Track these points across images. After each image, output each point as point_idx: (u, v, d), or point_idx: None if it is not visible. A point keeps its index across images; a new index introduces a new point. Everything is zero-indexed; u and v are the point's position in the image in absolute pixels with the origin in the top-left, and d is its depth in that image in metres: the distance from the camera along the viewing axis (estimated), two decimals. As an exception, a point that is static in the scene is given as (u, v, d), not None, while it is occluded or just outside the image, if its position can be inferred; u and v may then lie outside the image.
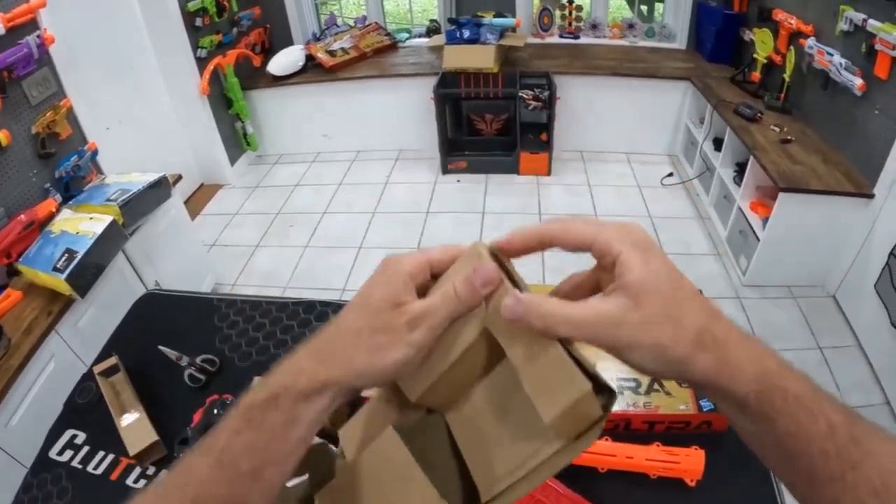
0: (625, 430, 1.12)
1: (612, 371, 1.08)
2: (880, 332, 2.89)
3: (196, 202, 4.40)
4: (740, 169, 3.70)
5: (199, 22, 4.01)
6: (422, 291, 0.50)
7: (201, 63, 4.11)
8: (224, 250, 3.87)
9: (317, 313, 1.47)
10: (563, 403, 0.42)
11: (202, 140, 4.38)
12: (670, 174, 4.61)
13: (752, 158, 3.37)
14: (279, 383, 0.48)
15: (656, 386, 1.10)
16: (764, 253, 3.31)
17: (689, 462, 1.01)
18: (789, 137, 3.43)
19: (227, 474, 0.45)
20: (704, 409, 1.06)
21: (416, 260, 0.51)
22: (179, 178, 2.97)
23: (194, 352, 1.33)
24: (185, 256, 3.10)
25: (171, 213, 2.92)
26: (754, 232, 3.36)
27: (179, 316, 1.52)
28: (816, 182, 3.06)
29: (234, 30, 4.46)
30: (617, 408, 1.05)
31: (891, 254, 2.82)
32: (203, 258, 3.39)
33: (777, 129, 3.53)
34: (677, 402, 1.07)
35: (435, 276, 0.52)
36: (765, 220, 3.28)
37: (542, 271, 3.46)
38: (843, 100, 3.30)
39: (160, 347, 1.31)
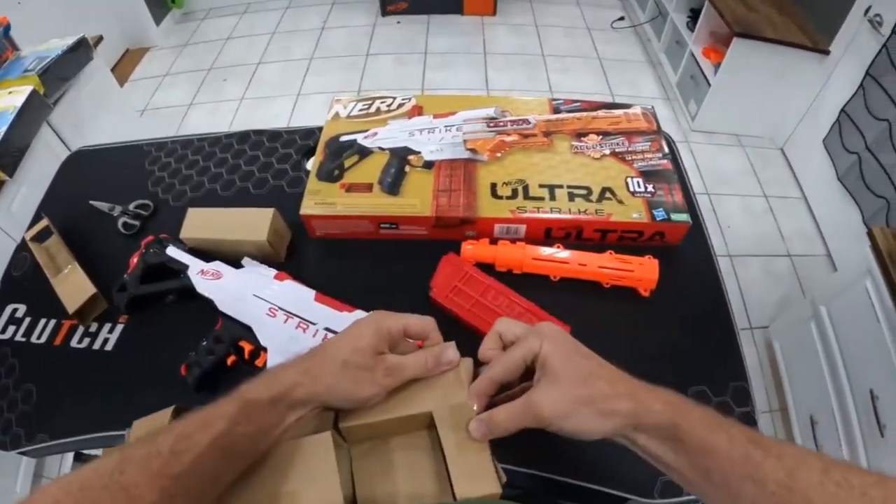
0: (577, 238, 1.09)
1: (564, 180, 1.08)
2: (826, 186, 2.93)
3: (123, 68, 4.04)
4: (694, 15, 3.59)
5: None
6: (392, 347, 0.64)
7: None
8: (157, 113, 3.63)
9: (251, 142, 1.39)
10: (477, 492, 0.57)
11: (123, 2, 3.97)
12: (621, 18, 4.45)
13: (707, 2, 3.25)
14: (278, 390, 0.58)
15: (608, 195, 1.06)
16: (714, 98, 3.28)
17: (643, 271, 0.99)
18: (746, -15, 3.32)
19: (223, 454, 0.54)
20: (658, 219, 1.03)
21: (399, 324, 0.64)
22: (100, 38, 2.70)
23: (127, 200, 1.25)
24: (116, 123, 2.86)
25: (96, 77, 2.67)
26: (706, 77, 3.31)
27: (109, 169, 1.42)
28: (772, 31, 2.98)
29: None
30: (569, 215, 1.02)
31: (842, 110, 2.81)
32: (135, 123, 3.14)
33: (734, -26, 3.40)
34: (630, 210, 1.03)
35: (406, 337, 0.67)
36: (717, 66, 3.22)
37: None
38: None
39: (91, 202, 1.24)
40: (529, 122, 1.17)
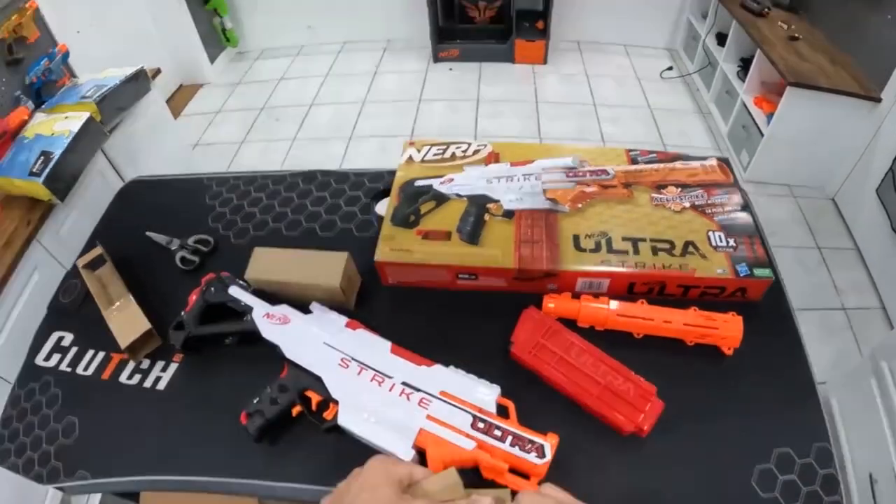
0: (659, 293, 1.05)
1: (647, 233, 1.05)
2: (879, 237, 2.87)
3: (176, 103, 4.16)
4: (744, 64, 3.61)
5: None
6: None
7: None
8: (208, 149, 3.70)
9: (318, 183, 1.37)
10: None
11: (179, 38, 4.09)
12: (670, 68, 4.47)
13: (759, 52, 3.27)
14: None
15: (691, 249, 1.02)
16: (767, 148, 3.25)
17: (728, 328, 0.95)
18: (797, 35, 3.33)
19: None
20: (741, 275, 1.00)
21: (406, 469, 0.62)
22: (158, 71, 2.79)
23: (186, 234, 1.23)
24: (169, 155, 2.93)
25: (152, 108, 2.74)
26: (758, 127, 3.29)
27: (167, 200, 1.40)
28: (825, 80, 2.98)
29: None
30: (653, 270, 0.99)
31: (895, 159, 2.77)
32: (187, 157, 3.22)
33: (784, 26, 3.42)
34: (714, 266, 1.00)
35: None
36: (769, 116, 3.21)
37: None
38: (854, 2, 3.21)
39: (148, 233, 1.22)
40: (609, 173, 1.13)
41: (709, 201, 1.09)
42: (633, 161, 1.17)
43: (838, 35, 3.33)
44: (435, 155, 1.20)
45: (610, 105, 4.00)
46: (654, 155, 1.19)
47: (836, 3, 3.38)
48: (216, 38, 4.44)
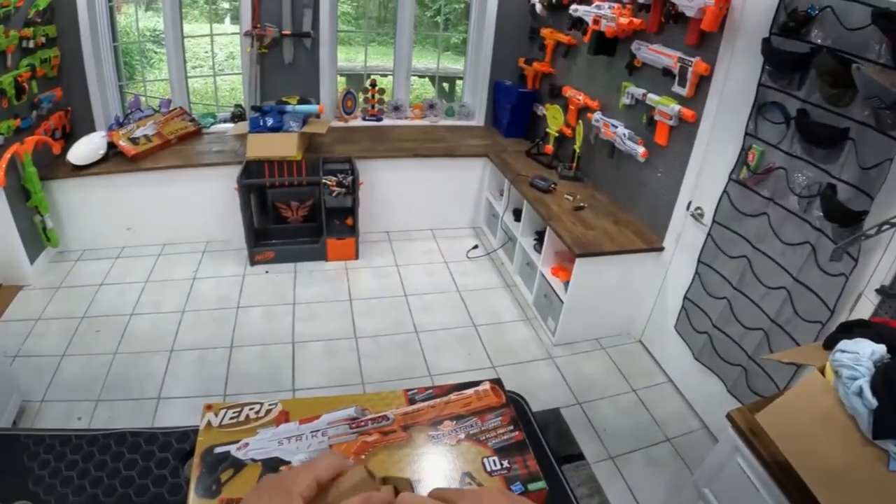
0: None
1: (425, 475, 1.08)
2: (687, 367, 3.20)
3: None
4: (540, 237, 3.94)
5: (-5, 105, 3.56)
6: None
7: (-4, 151, 3.64)
8: (28, 362, 3.42)
9: (129, 444, 1.38)
10: None
11: None
12: (475, 247, 4.82)
13: (548, 228, 3.61)
14: None
15: (468, 480, 1.09)
16: (569, 313, 3.53)
17: None
18: (582, 204, 3.76)
19: None
20: (517, 493, 1.07)
21: (306, 480, 0.58)
22: None
23: (5, 497, 1.20)
24: None
25: None
26: (557, 295, 3.58)
27: None
28: (609, 244, 3.36)
29: (34, 113, 4.03)
30: None
31: (685, 297, 3.16)
32: (6, 373, 2.97)
33: (570, 198, 3.85)
34: None
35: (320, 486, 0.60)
36: (566, 284, 3.50)
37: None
38: (629, 166, 3.70)
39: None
40: (388, 418, 1.21)
41: (482, 427, 1.19)
42: (411, 401, 1.26)
43: (619, 197, 3.81)
44: (231, 418, 1.24)
45: (420, 293, 4.19)
46: (431, 391, 1.29)
47: (612, 169, 3.86)
48: (37, 236, 4.21)
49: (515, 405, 1.28)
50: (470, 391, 1.29)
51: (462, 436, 1.18)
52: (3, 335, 3.59)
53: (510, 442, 1.17)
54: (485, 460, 1.13)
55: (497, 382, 1.32)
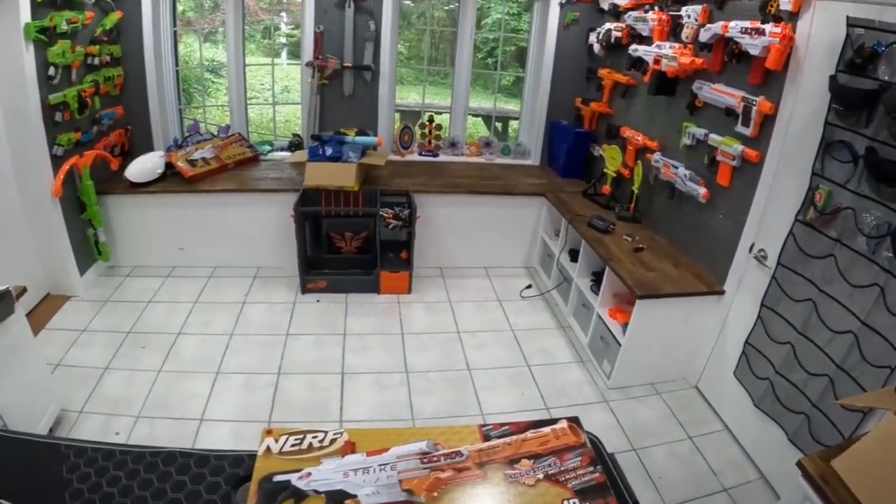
0: None
1: None
2: (745, 415, 3.08)
3: (40, 315, 3.91)
4: (597, 278, 3.88)
5: (58, 117, 3.68)
6: None
7: (56, 161, 3.75)
8: (70, 372, 3.43)
9: (178, 465, 1.32)
10: None
11: (50, 246, 3.97)
12: (529, 286, 4.76)
13: (607, 269, 3.55)
14: None
15: None
16: (626, 356, 3.44)
17: None
18: (641, 245, 3.69)
19: None
20: None
21: None
22: (24, 290, 2.62)
23: None
24: (27, 379, 2.70)
25: (14, 329, 2.55)
26: (615, 337, 3.49)
27: (20, 466, 1.32)
28: (670, 286, 3.28)
29: (95, 128, 4.15)
30: None
31: (746, 342, 3.05)
32: (46, 381, 2.97)
33: (629, 239, 3.78)
34: None
35: None
36: (624, 326, 3.42)
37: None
38: (689, 207, 3.63)
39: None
40: (462, 455, 1.17)
41: (561, 468, 1.14)
42: (486, 437, 1.21)
43: (679, 239, 3.73)
44: (293, 446, 1.20)
45: (472, 331, 4.13)
46: (507, 427, 1.24)
47: (672, 210, 3.79)
48: (89, 249, 4.31)
49: (592, 445, 1.21)
50: (547, 429, 1.24)
51: (541, 475, 1.13)
52: (46, 343, 3.63)
53: (591, 483, 1.12)
54: (565, 502, 1.07)
55: (575, 421, 1.26)
